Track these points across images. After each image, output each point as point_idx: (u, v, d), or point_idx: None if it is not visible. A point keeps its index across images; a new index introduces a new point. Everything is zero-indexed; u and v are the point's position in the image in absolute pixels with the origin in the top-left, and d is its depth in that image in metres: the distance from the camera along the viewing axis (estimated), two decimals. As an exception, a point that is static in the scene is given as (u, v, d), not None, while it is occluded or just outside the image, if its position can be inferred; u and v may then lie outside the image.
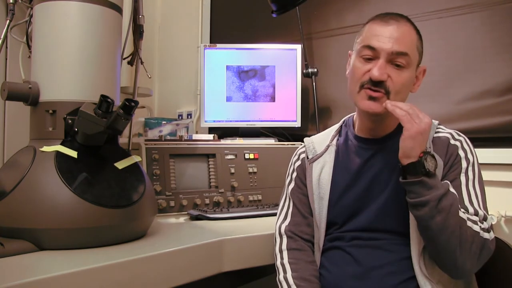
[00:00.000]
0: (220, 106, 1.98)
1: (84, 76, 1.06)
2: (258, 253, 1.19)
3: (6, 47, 1.86)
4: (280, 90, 1.99)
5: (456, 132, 1.10)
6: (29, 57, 1.14)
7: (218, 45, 2.01)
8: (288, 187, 1.23)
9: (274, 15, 1.77)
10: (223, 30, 2.47)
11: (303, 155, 1.24)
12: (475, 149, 1.08)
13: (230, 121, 1.98)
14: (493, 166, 1.50)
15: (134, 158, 1.12)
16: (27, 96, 1.05)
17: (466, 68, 1.63)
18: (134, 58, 1.33)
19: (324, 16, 2.07)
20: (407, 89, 1.07)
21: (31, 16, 1.15)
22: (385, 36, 1.04)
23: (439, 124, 1.12)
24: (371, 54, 1.05)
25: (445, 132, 1.09)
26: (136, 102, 0.97)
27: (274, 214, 1.27)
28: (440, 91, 1.68)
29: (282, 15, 1.77)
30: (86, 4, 1.06)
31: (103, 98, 0.97)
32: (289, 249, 1.14)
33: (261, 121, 1.99)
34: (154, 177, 1.48)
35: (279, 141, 1.89)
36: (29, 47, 1.19)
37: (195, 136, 1.71)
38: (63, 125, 1.04)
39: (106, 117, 0.98)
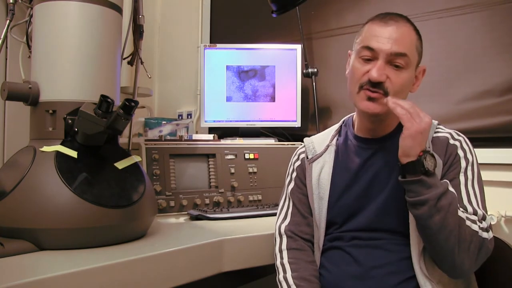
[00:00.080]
0: (220, 106, 1.98)
1: (84, 76, 1.06)
2: (258, 253, 1.19)
3: (6, 47, 1.86)
4: (280, 90, 1.99)
5: (455, 132, 1.10)
6: (29, 57, 1.14)
7: (218, 45, 2.01)
8: (288, 187, 1.24)
9: (274, 15, 1.77)
10: (223, 30, 2.47)
11: (302, 155, 1.24)
12: (475, 149, 1.08)
13: (230, 121, 1.98)
14: (493, 166, 1.50)
15: (134, 158, 1.13)
16: (27, 96, 1.05)
17: (466, 68, 1.63)
18: (134, 58, 1.33)
19: (324, 16, 2.07)
20: (406, 90, 1.07)
21: (31, 16, 1.15)
22: (384, 37, 1.04)
23: (438, 124, 1.12)
24: (370, 55, 1.05)
25: (444, 132, 1.09)
26: (136, 102, 0.97)
27: (274, 214, 1.27)
28: (440, 91, 1.68)
29: (282, 15, 1.77)
30: (86, 4, 1.06)
31: (103, 98, 0.97)
32: (289, 249, 1.15)
33: (261, 121, 1.99)
34: (154, 177, 1.48)
35: (279, 141, 1.89)
36: (29, 47, 1.19)
37: (195, 136, 1.71)
38: (63, 125, 1.04)
39: (106, 117, 0.98)
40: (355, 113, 1.20)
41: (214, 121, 1.99)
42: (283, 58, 1.99)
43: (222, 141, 1.73)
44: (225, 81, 1.98)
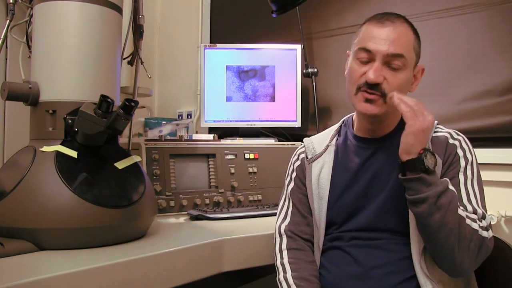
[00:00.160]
0: (220, 106, 1.98)
1: (84, 76, 1.06)
2: (258, 253, 1.19)
3: (6, 47, 1.86)
4: (280, 90, 1.99)
5: (454, 132, 1.10)
6: (29, 57, 1.14)
7: (218, 45, 2.01)
8: (287, 187, 1.24)
9: (274, 15, 1.77)
10: (223, 30, 2.47)
11: (302, 155, 1.24)
12: (475, 149, 1.08)
13: (230, 121, 1.98)
14: (493, 166, 1.50)
15: (134, 158, 1.13)
16: (27, 96, 1.05)
17: (466, 68, 1.63)
18: (134, 58, 1.33)
19: (324, 16, 2.07)
20: (404, 90, 1.07)
21: (31, 16, 1.15)
22: (381, 38, 1.04)
23: (437, 124, 1.12)
24: (367, 56, 1.05)
25: (443, 131, 1.09)
26: (136, 102, 0.97)
27: (274, 214, 1.27)
28: (440, 91, 1.68)
29: (282, 15, 1.77)
30: (86, 4, 1.06)
31: (103, 98, 0.97)
32: (289, 248, 1.15)
33: (261, 121, 1.99)
34: (154, 177, 1.48)
35: (279, 141, 1.89)
36: (29, 47, 1.19)
37: (195, 136, 1.71)
38: (63, 125, 1.04)
39: (106, 117, 0.98)
40: (354, 113, 1.20)
41: (214, 121, 1.99)
42: (283, 58, 1.99)
43: (222, 141, 1.73)
44: (225, 81, 1.98)
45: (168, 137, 1.73)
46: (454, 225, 0.93)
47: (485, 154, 1.43)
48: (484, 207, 1.03)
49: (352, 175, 1.13)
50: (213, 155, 1.62)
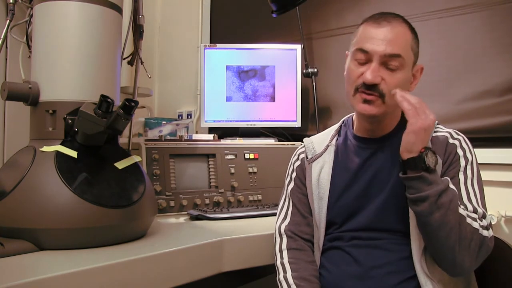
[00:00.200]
0: (220, 106, 1.98)
1: (84, 76, 1.06)
2: (258, 253, 1.19)
3: (6, 47, 1.86)
4: (280, 90, 1.99)
5: (454, 131, 1.10)
6: (29, 57, 1.14)
7: (218, 45, 2.01)
8: (287, 187, 1.24)
9: (274, 15, 1.77)
10: (223, 30, 2.47)
11: (302, 155, 1.24)
12: (475, 149, 1.08)
13: (230, 121, 1.98)
14: (493, 166, 1.50)
15: (134, 158, 1.13)
16: (27, 96, 1.05)
17: (466, 68, 1.63)
18: (134, 58, 1.33)
19: (324, 16, 2.07)
20: (403, 90, 1.07)
21: (31, 16, 1.15)
22: (378, 39, 1.04)
23: (437, 124, 1.12)
24: (364, 57, 1.05)
25: (443, 131, 1.09)
26: (136, 102, 0.97)
27: (274, 214, 1.27)
28: (440, 91, 1.68)
29: (282, 15, 1.77)
30: (86, 4, 1.06)
31: (103, 98, 0.97)
32: (289, 248, 1.15)
33: (261, 121, 1.99)
34: (154, 177, 1.48)
35: (279, 141, 1.89)
36: (29, 47, 1.19)
37: (195, 136, 1.71)
38: (63, 125, 1.04)
39: (106, 117, 0.98)
40: (354, 113, 1.20)
41: (214, 121, 1.99)
42: (283, 58, 1.99)
43: (222, 141, 1.73)
44: (225, 81, 1.98)
45: (168, 137, 1.73)
46: (455, 224, 0.93)
47: (485, 154, 1.43)
48: (484, 206, 1.03)
49: (352, 175, 1.13)
50: (213, 155, 1.62)
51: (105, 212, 0.97)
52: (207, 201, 1.55)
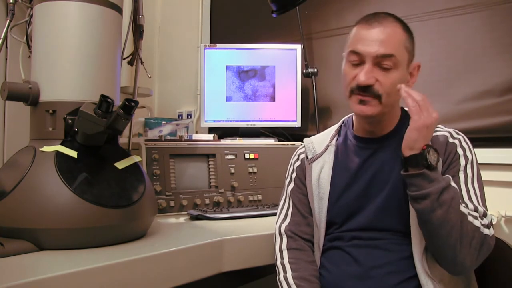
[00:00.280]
0: (220, 106, 1.98)
1: (84, 76, 1.06)
2: (258, 253, 1.19)
3: (6, 47, 1.86)
4: (280, 90, 1.99)
5: (454, 131, 1.10)
6: (29, 57, 1.14)
7: (218, 45, 2.01)
8: (287, 187, 1.24)
9: (274, 15, 1.77)
10: (223, 30, 2.47)
11: (302, 155, 1.24)
12: (475, 149, 1.08)
13: (230, 121, 1.98)
14: (493, 166, 1.50)
15: (134, 158, 1.13)
16: (27, 96, 1.05)
17: (466, 68, 1.63)
18: (134, 58, 1.33)
19: (324, 16, 2.07)
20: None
21: (31, 16, 1.15)
22: (370, 40, 1.04)
23: (437, 124, 1.12)
24: (357, 59, 1.06)
25: (443, 130, 1.09)
26: (136, 102, 0.97)
27: (274, 214, 1.27)
28: (440, 91, 1.68)
29: (282, 15, 1.77)
30: (86, 4, 1.06)
31: (103, 98, 0.97)
32: (289, 248, 1.15)
33: (261, 121, 1.99)
34: (154, 177, 1.48)
35: (279, 141, 1.89)
36: (29, 47, 1.19)
37: (195, 136, 1.71)
38: (63, 125, 1.04)
39: (106, 117, 0.98)
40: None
41: (214, 121, 1.99)
42: (283, 58, 1.99)
43: (222, 141, 1.73)
44: (225, 81, 1.98)
45: (168, 137, 1.73)
46: (456, 222, 0.93)
47: (485, 154, 1.43)
48: (484, 205, 1.03)
49: (352, 175, 1.13)
50: (213, 155, 1.62)
51: (105, 212, 0.97)
52: (207, 201, 1.55)
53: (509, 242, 1.14)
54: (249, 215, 1.44)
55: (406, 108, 1.15)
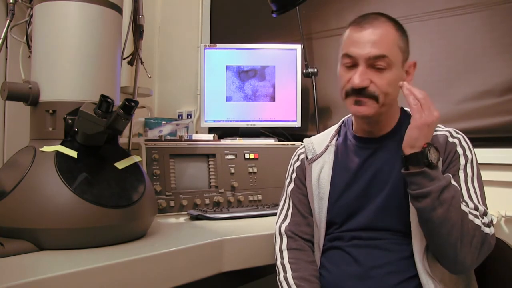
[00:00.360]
0: (220, 106, 1.98)
1: (84, 76, 1.06)
2: (258, 253, 1.19)
3: (6, 47, 1.86)
4: (280, 90, 1.99)
5: (454, 130, 1.10)
6: (29, 57, 1.14)
7: (218, 45, 2.01)
8: (287, 188, 1.24)
9: (274, 15, 1.77)
10: (223, 30, 2.47)
11: (302, 156, 1.24)
12: (475, 149, 1.08)
13: (230, 121, 1.98)
14: (493, 166, 1.50)
15: (134, 158, 1.13)
16: (27, 96, 1.05)
17: (466, 68, 1.63)
18: (134, 58, 1.33)
19: (324, 16, 2.07)
20: (395, 88, 1.07)
21: (31, 16, 1.15)
22: (361, 42, 1.04)
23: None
24: (350, 61, 1.06)
25: (443, 130, 1.10)
26: (136, 102, 0.97)
27: (274, 214, 1.27)
28: (440, 91, 1.68)
29: (282, 15, 1.77)
30: (86, 4, 1.06)
31: (103, 98, 0.97)
32: (289, 249, 1.15)
33: (261, 121, 1.99)
34: (154, 177, 1.48)
35: (279, 141, 1.89)
36: (29, 47, 1.19)
37: (195, 136, 1.71)
38: (63, 125, 1.04)
39: (106, 117, 0.98)
40: (354, 113, 1.21)
41: (214, 121, 1.99)
42: (283, 58, 1.99)
43: (222, 141, 1.73)
44: (225, 81, 1.98)
45: (168, 137, 1.73)
46: (457, 220, 0.93)
47: (485, 154, 1.43)
48: (485, 204, 1.03)
49: (352, 175, 1.13)
50: (213, 155, 1.62)
51: (105, 212, 0.97)
52: (207, 201, 1.55)
53: (509, 242, 1.14)
54: (249, 215, 1.44)
55: (405, 108, 1.15)
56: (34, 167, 0.98)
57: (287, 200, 1.22)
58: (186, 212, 1.48)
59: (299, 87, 1.98)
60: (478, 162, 1.07)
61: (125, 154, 1.12)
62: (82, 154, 1.03)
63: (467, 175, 1.04)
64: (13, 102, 1.06)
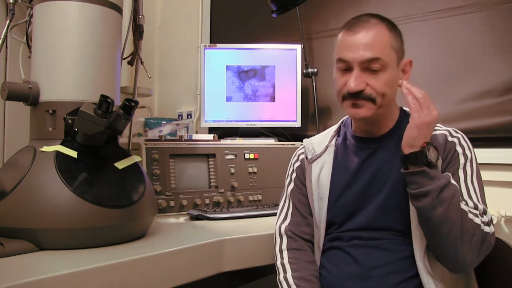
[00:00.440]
0: (220, 106, 1.98)
1: (84, 76, 1.06)
2: (258, 253, 1.19)
3: (6, 47, 1.86)
4: (280, 90, 1.99)
5: (453, 130, 1.10)
6: (29, 57, 1.14)
7: (218, 45, 2.01)
8: (287, 188, 1.24)
9: (274, 15, 1.77)
10: (223, 30, 2.47)
11: (302, 156, 1.24)
12: (475, 149, 1.08)
13: (230, 121, 1.98)
14: (493, 166, 1.50)
15: (134, 158, 1.13)
16: (27, 96, 1.05)
17: (466, 68, 1.63)
18: (134, 58, 1.33)
19: (324, 16, 2.07)
20: (392, 88, 1.07)
21: (31, 16, 1.15)
22: (354, 46, 1.04)
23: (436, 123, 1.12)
24: (345, 65, 1.06)
25: (442, 129, 1.10)
26: (136, 102, 0.97)
27: (274, 214, 1.28)
28: (440, 91, 1.68)
29: (282, 15, 1.77)
30: (86, 4, 1.06)
31: (103, 98, 0.97)
32: (289, 249, 1.15)
33: (261, 121, 1.99)
34: (154, 177, 1.48)
35: (279, 141, 1.89)
36: (29, 47, 1.19)
37: (195, 136, 1.71)
38: (63, 125, 1.04)
39: (106, 117, 0.98)
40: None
41: (214, 121, 1.99)
42: (283, 58, 1.99)
43: (222, 141, 1.73)
44: (225, 81, 1.98)
45: (168, 137, 1.73)
46: (457, 219, 0.94)
47: (485, 154, 1.43)
48: (484, 203, 1.03)
49: (352, 175, 1.13)
50: (213, 155, 1.62)
51: (105, 212, 0.97)
52: (207, 201, 1.55)
53: (509, 242, 1.14)
54: (249, 215, 1.44)
55: (405, 108, 1.15)
56: (34, 167, 0.98)
57: (287, 200, 1.22)
58: (186, 212, 1.48)
59: (299, 87, 1.98)
60: (478, 162, 1.07)
61: (125, 154, 1.12)
62: (82, 154, 1.03)
63: (466, 174, 1.04)
64: (13, 102, 1.06)
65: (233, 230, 1.21)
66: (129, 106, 0.96)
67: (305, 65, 2.01)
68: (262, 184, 1.67)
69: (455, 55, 1.66)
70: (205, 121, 1.98)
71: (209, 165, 1.61)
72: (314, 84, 2.00)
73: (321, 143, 1.21)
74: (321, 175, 1.16)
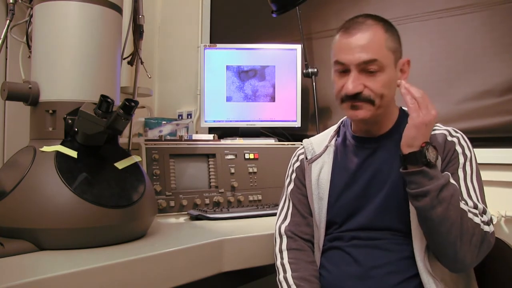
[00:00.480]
0: (220, 106, 1.98)
1: (84, 76, 1.06)
2: (258, 253, 1.19)
3: (6, 47, 1.86)
4: (280, 90, 1.99)
5: (453, 129, 1.10)
6: (29, 57, 1.14)
7: (218, 45, 2.01)
8: (287, 188, 1.24)
9: (274, 15, 1.77)
10: (223, 30, 2.47)
11: (302, 156, 1.24)
12: (475, 149, 1.08)
13: (230, 121, 1.98)
14: (493, 166, 1.50)
15: (134, 158, 1.13)
16: (27, 96, 1.05)
17: (466, 68, 1.63)
18: (134, 58, 1.33)
19: (324, 16, 2.07)
20: (390, 89, 1.07)
21: (31, 16, 1.15)
22: (350, 48, 1.05)
23: (435, 123, 1.12)
24: (342, 68, 1.07)
25: (442, 129, 1.10)
26: (136, 102, 0.97)
27: (274, 214, 1.28)
28: (440, 91, 1.68)
29: (282, 15, 1.77)
30: (86, 4, 1.06)
31: (103, 98, 0.97)
32: (289, 249, 1.15)
33: (261, 121, 1.99)
34: (154, 177, 1.48)
35: (279, 141, 1.89)
36: (29, 47, 1.19)
37: (195, 136, 1.71)
38: (63, 125, 1.04)
39: (106, 117, 0.98)
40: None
41: (214, 121, 1.99)
42: (283, 58, 1.99)
43: (222, 141, 1.73)
44: (225, 81, 1.98)
45: (168, 137, 1.73)
46: (456, 219, 0.94)
47: (485, 154, 1.43)
48: (484, 202, 1.03)
49: (351, 175, 1.13)
50: (213, 155, 1.62)
51: (105, 212, 0.97)
52: (207, 201, 1.55)
53: (509, 242, 1.14)
54: (249, 215, 1.44)
55: (404, 108, 1.15)
56: (34, 167, 0.98)
57: (287, 201, 1.22)
58: (186, 212, 1.48)
59: (299, 87, 1.98)
60: (478, 162, 1.07)
61: (125, 154, 1.12)
62: (82, 154, 1.03)
63: (466, 173, 1.04)
64: (13, 102, 1.06)
65: (233, 230, 1.21)
66: (129, 106, 0.96)
67: (305, 65, 2.01)
68: (262, 184, 1.67)
69: (455, 55, 1.66)
70: (205, 121, 1.98)
71: (209, 165, 1.61)
72: (314, 84, 2.00)
73: (321, 143, 1.21)
74: (320, 175, 1.16)
